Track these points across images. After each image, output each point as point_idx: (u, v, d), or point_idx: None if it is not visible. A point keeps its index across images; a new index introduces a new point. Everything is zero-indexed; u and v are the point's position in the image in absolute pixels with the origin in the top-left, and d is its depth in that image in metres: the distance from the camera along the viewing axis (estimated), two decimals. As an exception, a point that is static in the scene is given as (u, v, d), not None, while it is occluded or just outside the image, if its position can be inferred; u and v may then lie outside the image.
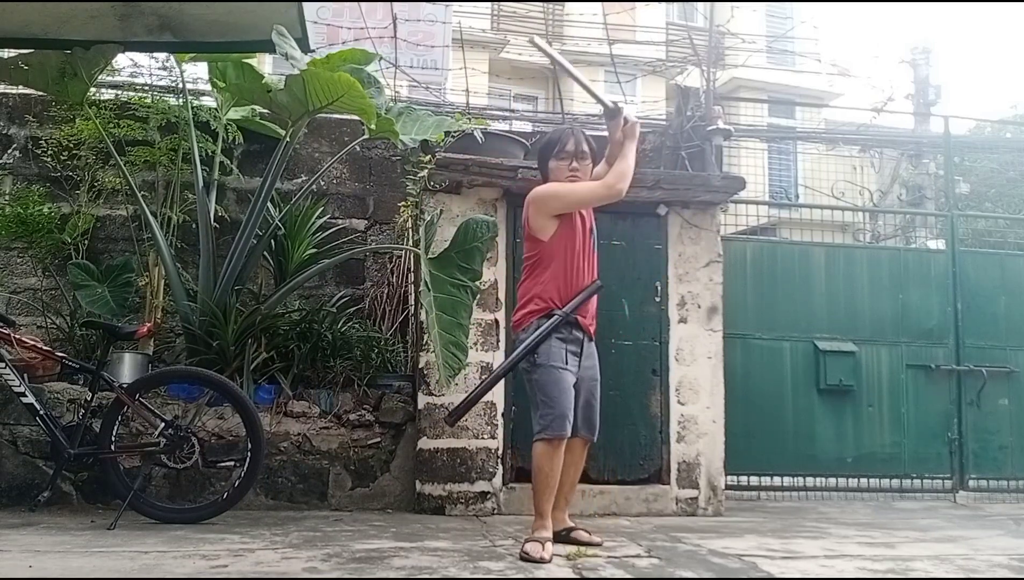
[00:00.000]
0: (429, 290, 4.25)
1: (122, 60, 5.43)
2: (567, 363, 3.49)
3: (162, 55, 5.39)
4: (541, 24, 13.02)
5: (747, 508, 5.44)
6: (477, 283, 4.42)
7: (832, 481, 6.09)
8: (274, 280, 5.53)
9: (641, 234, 5.08)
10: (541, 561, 3.18)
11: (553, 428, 3.43)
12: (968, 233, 7.19)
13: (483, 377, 4.69)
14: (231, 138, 5.51)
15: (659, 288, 5.06)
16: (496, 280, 4.86)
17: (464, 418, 4.69)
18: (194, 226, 5.29)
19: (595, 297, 3.65)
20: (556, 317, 3.48)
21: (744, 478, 5.92)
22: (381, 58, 5.81)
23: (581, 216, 3.64)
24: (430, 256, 4.36)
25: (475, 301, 4.44)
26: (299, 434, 4.71)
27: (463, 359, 4.31)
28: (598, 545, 3.57)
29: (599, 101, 3.67)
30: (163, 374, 4.53)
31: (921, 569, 3.34)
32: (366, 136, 5.15)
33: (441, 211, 4.73)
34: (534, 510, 3.52)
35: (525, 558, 3.22)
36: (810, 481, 6.07)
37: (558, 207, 3.56)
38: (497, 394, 4.76)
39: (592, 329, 3.67)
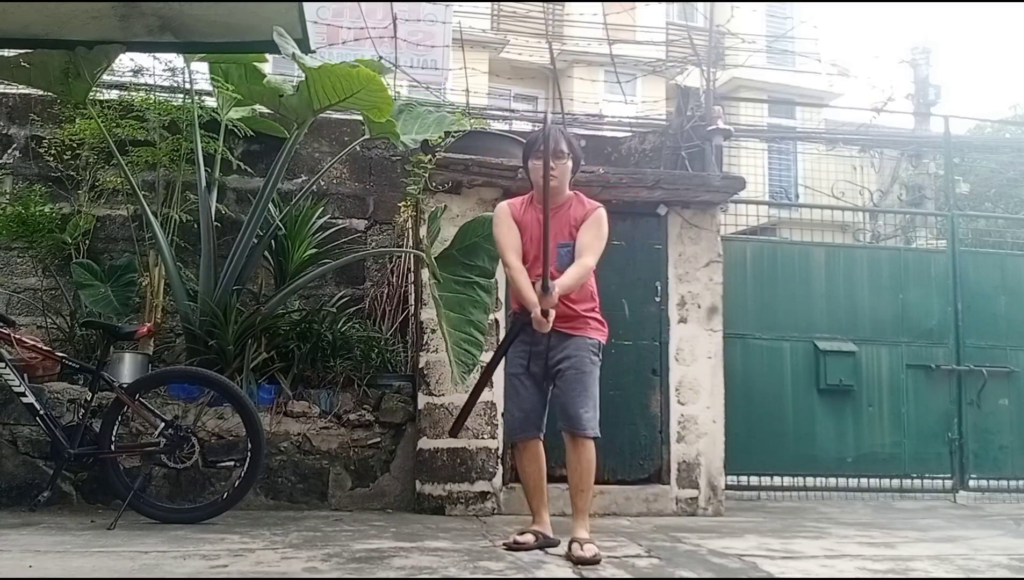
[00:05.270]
0: (439, 283, 4.28)
1: (124, 60, 5.43)
2: (521, 367, 3.60)
3: (167, 55, 5.39)
4: (541, 24, 13.00)
5: (747, 508, 5.44)
6: (490, 281, 4.44)
7: (832, 481, 6.10)
8: (274, 280, 5.52)
9: (641, 234, 5.08)
10: (516, 547, 3.41)
11: (510, 434, 3.83)
12: (968, 233, 7.19)
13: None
14: (244, 132, 5.47)
15: (659, 288, 5.07)
16: (496, 280, 4.85)
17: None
18: (195, 226, 5.28)
19: (574, 288, 3.47)
20: (513, 323, 3.68)
21: (744, 478, 5.92)
22: (381, 58, 5.81)
23: (537, 219, 3.51)
24: (433, 256, 4.35)
25: (491, 297, 4.50)
26: (299, 434, 4.71)
27: (477, 355, 4.33)
28: (588, 563, 3.21)
29: None
30: (163, 374, 4.54)
31: (921, 569, 3.35)
32: (367, 136, 5.14)
33: (445, 206, 4.70)
34: None
35: (508, 547, 3.45)
36: (810, 481, 6.07)
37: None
38: (497, 394, 4.76)
39: (567, 325, 3.50)
